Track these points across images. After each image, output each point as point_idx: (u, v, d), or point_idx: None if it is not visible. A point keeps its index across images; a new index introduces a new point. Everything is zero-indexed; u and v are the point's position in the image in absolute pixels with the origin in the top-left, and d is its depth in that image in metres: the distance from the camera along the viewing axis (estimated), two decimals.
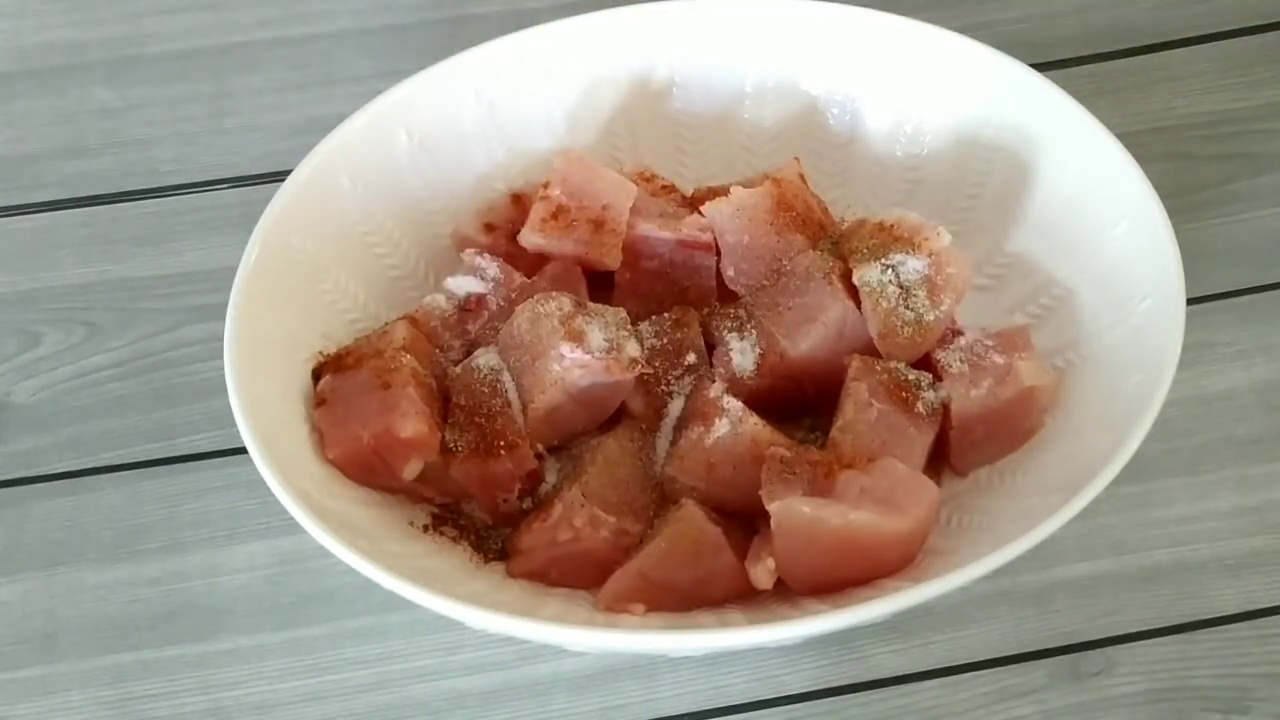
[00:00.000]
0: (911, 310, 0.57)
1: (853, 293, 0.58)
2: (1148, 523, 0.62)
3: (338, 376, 0.59)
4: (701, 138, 0.70)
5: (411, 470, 0.57)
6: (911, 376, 0.57)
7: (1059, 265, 0.62)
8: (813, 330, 0.58)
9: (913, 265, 0.58)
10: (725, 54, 0.69)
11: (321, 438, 0.57)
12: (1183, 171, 0.74)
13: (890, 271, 0.58)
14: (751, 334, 0.60)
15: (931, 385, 0.57)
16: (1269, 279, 0.70)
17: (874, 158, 0.68)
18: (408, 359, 0.58)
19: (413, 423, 0.56)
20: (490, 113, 0.67)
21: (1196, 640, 0.59)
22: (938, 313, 0.58)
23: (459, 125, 0.67)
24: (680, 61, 0.69)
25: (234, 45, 0.83)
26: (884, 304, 0.57)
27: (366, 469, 0.57)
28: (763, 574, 0.53)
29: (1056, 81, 0.63)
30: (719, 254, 0.62)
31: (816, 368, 0.59)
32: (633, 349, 0.57)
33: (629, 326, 0.58)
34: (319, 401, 0.58)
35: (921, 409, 0.57)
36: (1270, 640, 0.59)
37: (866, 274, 0.58)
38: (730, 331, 0.60)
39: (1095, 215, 0.61)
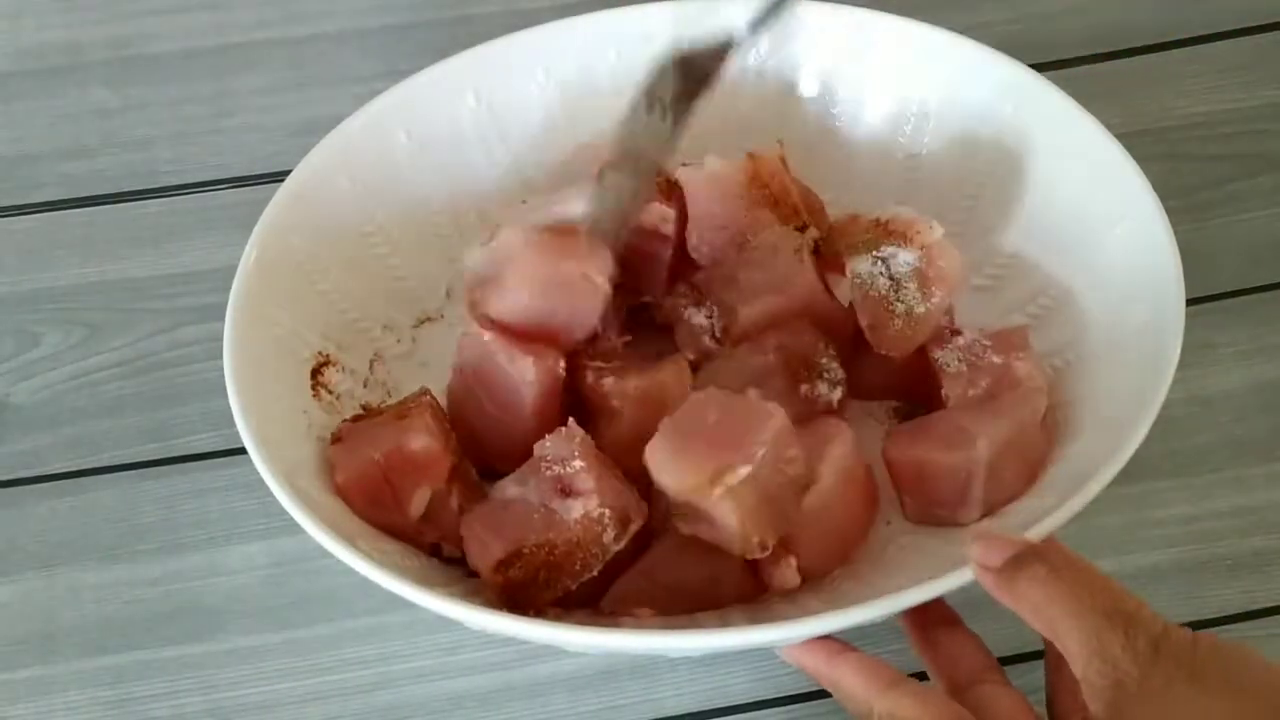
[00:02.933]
0: (902, 302, 0.58)
1: (824, 275, 0.59)
2: (1147, 523, 0.62)
3: (357, 423, 0.58)
4: (700, 138, 0.70)
5: (419, 502, 0.55)
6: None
7: (1058, 265, 0.62)
8: (770, 300, 0.58)
9: (904, 258, 0.58)
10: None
11: (332, 469, 0.56)
12: (1183, 171, 0.74)
13: (881, 264, 0.58)
14: (711, 309, 0.60)
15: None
16: (1269, 279, 0.70)
17: (873, 158, 0.68)
18: (429, 398, 0.58)
19: (423, 438, 0.55)
20: (490, 113, 0.67)
21: None
22: (929, 305, 0.58)
23: (458, 125, 0.67)
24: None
25: (234, 45, 0.83)
26: (874, 294, 0.57)
27: (374, 499, 0.55)
28: (788, 573, 0.52)
29: (1056, 81, 0.63)
30: (677, 245, 0.62)
31: None
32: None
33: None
34: (335, 439, 0.57)
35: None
36: (1270, 640, 0.59)
37: (857, 266, 0.58)
38: (687, 307, 0.60)
39: (1095, 215, 0.61)
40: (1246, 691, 0.41)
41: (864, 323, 0.58)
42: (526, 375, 0.56)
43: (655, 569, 0.54)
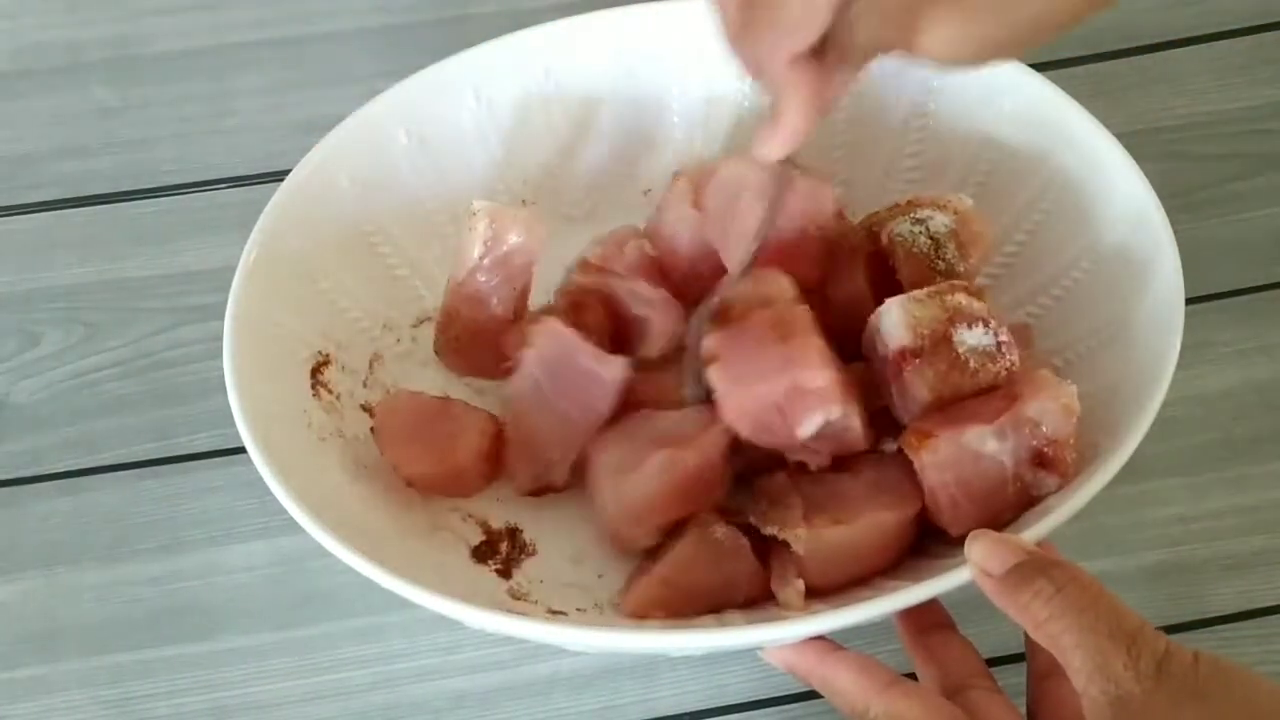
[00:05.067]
0: (943, 261, 0.58)
1: (869, 274, 0.59)
2: (1146, 523, 0.62)
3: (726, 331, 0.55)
4: (701, 137, 0.70)
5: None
6: None
7: (1057, 265, 0.62)
8: None
9: (941, 219, 0.58)
10: (725, 54, 0.68)
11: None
12: (1183, 171, 0.74)
13: (920, 225, 0.58)
14: None
15: None
16: (1269, 279, 0.70)
17: (873, 158, 0.68)
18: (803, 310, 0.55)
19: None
20: (489, 112, 0.67)
21: (1195, 640, 0.58)
22: (967, 265, 0.58)
23: (458, 125, 0.67)
24: (680, 61, 0.69)
25: (234, 45, 0.83)
26: (916, 252, 0.57)
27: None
28: (793, 596, 0.52)
29: (1056, 81, 0.63)
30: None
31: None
32: None
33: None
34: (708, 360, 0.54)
35: None
36: (1269, 640, 0.59)
37: (898, 227, 0.58)
38: None
39: (1095, 215, 0.61)
40: (1249, 712, 0.41)
41: (907, 281, 0.57)
42: (614, 373, 0.56)
43: (671, 575, 0.54)
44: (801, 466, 0.55)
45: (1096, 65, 0.79)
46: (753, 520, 0.54)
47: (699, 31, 0.68)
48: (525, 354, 0.58)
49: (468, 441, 0.58)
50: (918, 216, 0.59)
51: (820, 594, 0.53)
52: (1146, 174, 0.59)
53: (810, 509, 0.53)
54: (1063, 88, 0.63)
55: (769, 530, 0.53)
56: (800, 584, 0.52)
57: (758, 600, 0.54)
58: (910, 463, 0.53)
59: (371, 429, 0.58)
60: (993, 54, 0.43)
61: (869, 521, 0.52)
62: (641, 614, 0.53)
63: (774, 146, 0.50)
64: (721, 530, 0.54)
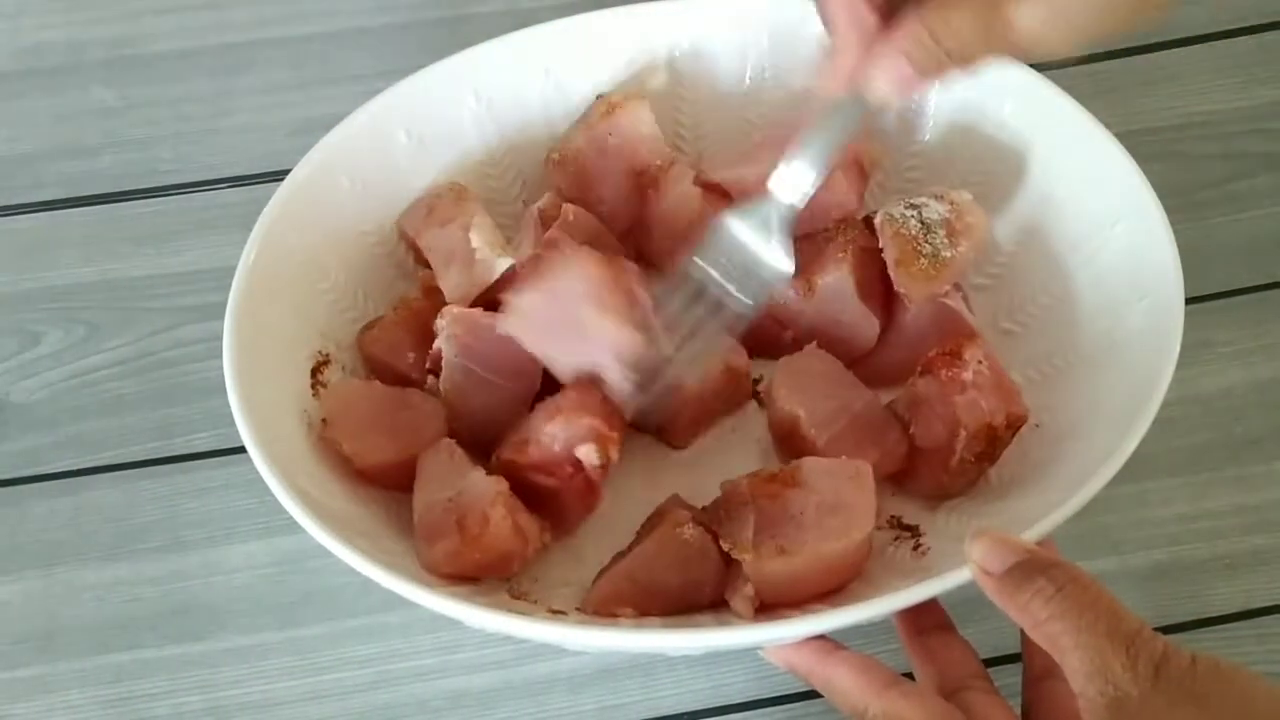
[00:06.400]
0: (930, 245, 0.59)
1: (857, 267, 0.59)
2: (1146, 522, 0.62)
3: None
4: (701, 137, 0.70)
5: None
6: None
7: (1058, 265, 0.62)
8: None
9: (935, 207, 0.60)
10: (724, 54, 0.69)
11: None
12: (1182, 171, 0.74)
13: (914, 210, 0.59)
14: None
15: None
16: (1268, 279, 0.70)
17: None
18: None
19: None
20: (489, 112, 0.67)
21: (1195, 640, 0.59)
22: (955, 252, 0.59)
23: (458, 124, 0.67)
24: (680, 61, 0.69)
25: (234, 45, 0.83)
26: (905, 233, 0.59)
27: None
28: (743, 604, 0.52)
29: (1056, 81, 0.63)
30: None
31: (798, 317, 0.61)
32: None
33: None
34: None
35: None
36: (1268, 639, 0.59)
37: (891, 209, 0.60)
38: None
39: (1094, 215, 0.61)
40: (1246, 714, 0.41)
41: (890, 259, 0.59)
42: None
43: (636, 571, 0.54)
44: (761, 482, 0.55)
45: (1096, 65, 0.79)
46: (714, 526, 0.54)
47: (699, 32, 0.68)
48: (443, 346, 0.59)
49: (431, 428, 0.58)
50: (913, 201, 0.60)
51: (772, 609, 0.53)
52: (1146, 174, 0.59)
53: (761, 526, 0.52)
54: (1063, 88, 0.63)
55: (724, 544, 0.53)
56: (750, 590, 0.52)
57: (722, 603, 0.54)
58: (863, 480, 0.53)
59: (323, 420, 0.58)
60: (1081, 37, 0.44)
61: (813, 553, 0.51)
62: (605, 608, 0.53)
63: (825, 80, 0.52)
64: (690, 531, 0.54)
